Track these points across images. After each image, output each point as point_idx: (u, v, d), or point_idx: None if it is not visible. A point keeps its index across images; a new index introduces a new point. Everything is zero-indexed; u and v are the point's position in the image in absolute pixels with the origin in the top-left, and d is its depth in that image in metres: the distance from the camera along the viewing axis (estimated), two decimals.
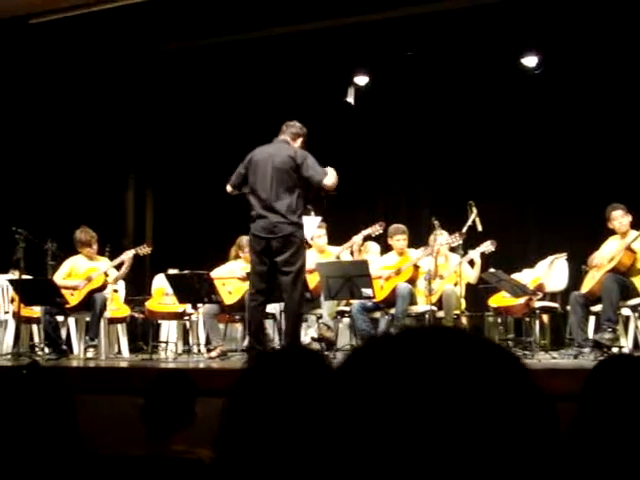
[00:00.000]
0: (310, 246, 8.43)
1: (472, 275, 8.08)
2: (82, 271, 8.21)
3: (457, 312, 7.73)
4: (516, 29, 9.17)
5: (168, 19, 9.09)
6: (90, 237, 8.25)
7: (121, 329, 8.65)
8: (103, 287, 8.15)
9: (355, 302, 7.75)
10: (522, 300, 7.64)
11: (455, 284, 7.78)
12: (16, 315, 7.95)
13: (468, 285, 8.02)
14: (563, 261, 8.13)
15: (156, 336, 8.89)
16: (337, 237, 8.55)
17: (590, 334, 7.24)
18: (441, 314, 7.73)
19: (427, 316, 7.48)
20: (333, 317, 7.93)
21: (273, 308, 7.52)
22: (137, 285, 9.84)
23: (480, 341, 0.77)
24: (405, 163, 10.67)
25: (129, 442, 2.88)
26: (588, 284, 7.30)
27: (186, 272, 7.99)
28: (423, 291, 7.86)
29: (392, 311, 7.80)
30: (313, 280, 7.66)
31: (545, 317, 8.32)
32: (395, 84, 10.37)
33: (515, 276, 7.89)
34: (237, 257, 8.58)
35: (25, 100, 9.62)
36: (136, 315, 9.12)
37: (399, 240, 8.19)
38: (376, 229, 8.23)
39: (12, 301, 8.45)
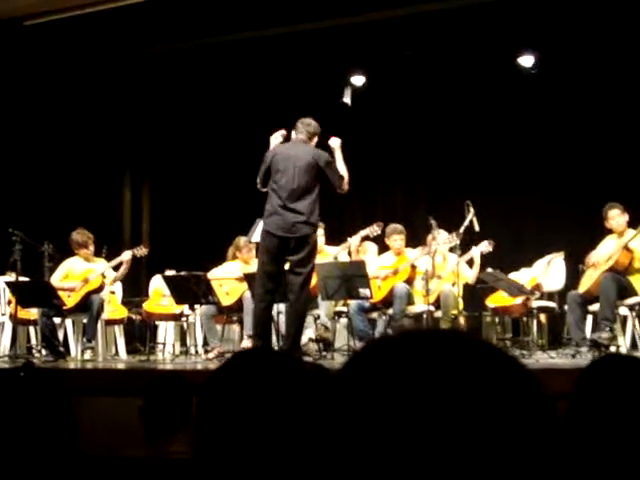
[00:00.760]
0: None
1: (470, 275, 8.08)
2: (79, 273, 8.19)
3: (455, 312, 7.72)
4: (512, 29, 9.18)
5: (163, 19, 9.09)
6: (87, 238, 8.24)
7: (118, 330, 8.64)
8: (100, 289, 8.14)
9: (352, 302, 7.75)
10: (520, 300, 7.65)
11: (453, 284, 7.78)
12: (13, 317, 7.94)
13: (465, 285, 8.01)
14: (560, 260, 8.14)
15: (153, 337, 8.88)
16: (334, 238, 8.54)
17: (588, 333, 7.25)
18: (439, 314, 7.73)
19: (425, 316, 7.48)
20: (331, 317, 7.93)
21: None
22: (134, 286, 9.83)
23: (480, 344, 0.77)
24: (402, 163, 10.67)
25: (127, 444, 2.88)
26: (585, 283, 7.30)
27: (183, 273, 7.99)
28: (421, 291, 7.86)
29: (390, 311, 7.80)
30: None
31: (543, 317, 8.31)
32: (391, 84, 10.37)
33: (512, 276, 7.89)
34: (234, 258, 8.57)
35: (20, 101, 9.61)
36: (133, 316, 9.11)
37: (396, 240, 8.18)
38: (374, 230, 8.22)
39: (9, 303, 8.44)
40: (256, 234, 7.13)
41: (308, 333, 7.91)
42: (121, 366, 7.74)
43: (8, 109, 9.54)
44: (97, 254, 8.43)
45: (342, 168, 6.67)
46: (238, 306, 7.82)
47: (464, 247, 7.88)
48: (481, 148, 10.09)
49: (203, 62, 10.19)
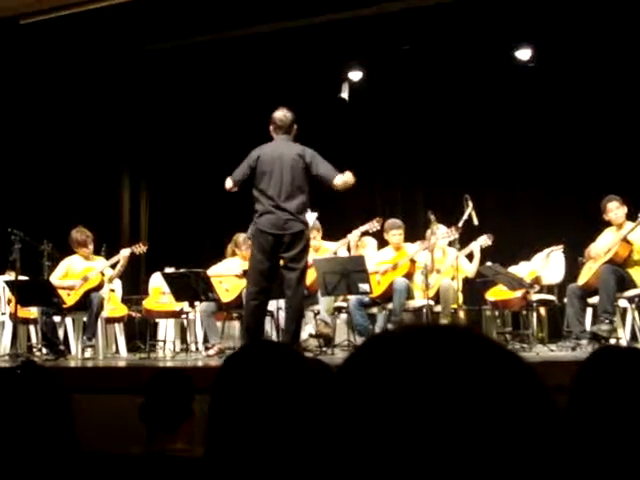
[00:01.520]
0: None
1: (470, 269, 8.08)
2: (78, 271, 8.19)
3: (454, 306, 7.72)
4: (509, 22, 9.17)
5: (160, 16, 9.07)
6: (86, 237, 8.23)
7: (118, 328, 8.65)
8: (100, 287, 8.14)
9: (352, 298, 7.75)
10: (519, 293, 7.65)
11: (452, 278, 7.78)
12: (13, 316, 7.94)
13: (465, 279, 8.02)
14: (559, 254, 8.14)
15: (153, 335, 8.89)
16: (334, 233, 8.54)
17: (587, 326, 7.25)
18: (438, 308, 7.73)
19: (424, 310, 7.49)
20: (330, 313, 7.93)
21: (271, 305, 7.51)
22: (134, 284, 9.84)
23: (478, 338, 0.77)
24: (400, 158, 10.67)
25: (127, 441, 2.88)
26: (585, 276, 7.30)
27: (183, 270, 7.98)
28: (420, 285, 7.86)
29: (389, 306, 7.80)
30: (310, 276, 7.65)
31: (542, 310, 8.33)
32: (389, 79, 10.37)
33: (512, 269, 7.90)
34: (234, 254, 8.57)
35: (18, 101, 9.60)
36: (133, 314, 9.12)
37: (395, 235, 8.18)
38: (373, 225, 8.21)
39: (9, 302, 8.44)
40: None
41: (308, 329, 7.92)
42: (121, 364, 7.74)
43: (5, 108, 9.54)
44: (96, 252, 8.43)
45: (346, 179, 6.50)
46: (238, 303, 7.81)
47: (463, 241, 7.88)
48: (479, 142, 10.09)
49: (200, 59, 10.17)
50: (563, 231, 8.49)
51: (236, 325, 8.62)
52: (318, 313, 7.87)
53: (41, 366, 2.07)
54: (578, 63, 9.40)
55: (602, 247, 7.27)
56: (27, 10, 8.75)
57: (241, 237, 8.28)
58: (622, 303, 7.19)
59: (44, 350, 7.93)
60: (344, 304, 8.04)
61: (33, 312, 8.13)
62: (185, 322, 8.67)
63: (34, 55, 9.39)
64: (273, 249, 6.43)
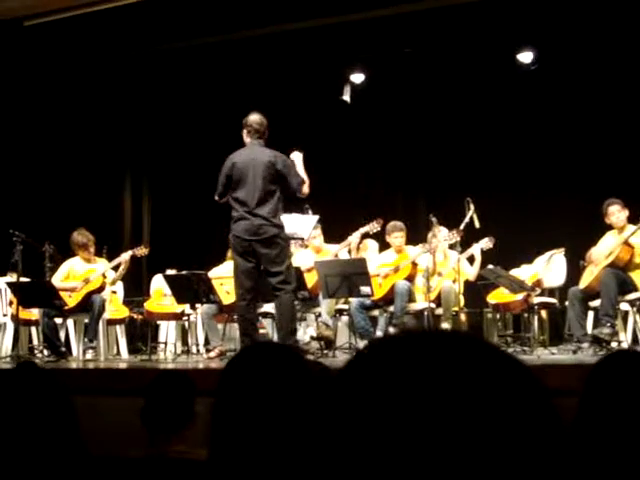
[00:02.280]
0: (307, 245, 8.43)
1: (471, 272, 8.08)
2: (80, 273, 8.20)
3: (456, 309, 7.72)
4: (511, 25, 9.18)
5: (163, 18, 9.09)
6: (87, 240, 8.23)
7: (120, 330, 8.64)
8: (101, 289, 8.14)
9: (353, 300, 7.75)
10: (520, 296, 7.64)
11: (454, 281, 7.78)
12: (14, 318, 7.94)
13: (466, 282, 8.02)
14: (561, 257, 8.14)
15: (155, 337, 8.89)
16: (334, 235, 8.54)
17: (589, 329, 7.24)
18: (440, 311, 7.73)
19: (426, 313, 7.48)
20: (332, 315, 7.93)
21: (272, 307, 7.52)
22: (135, 286, 9.84)
23: (480, 344, 0.77)
24: (402, 160, 10.67)
25: (129, 443, 2.88)
26: (586, 279, 7.30)
27: (184, 272, 7.99)
28: (421, 288, 7.86)
29: (391, 309, 7.80)
30: (311, 279, 7.66)
31: (544, 313, 8.32)
32: (391, 81, 10.38)
33: (513, 272, 7.89)
34: None
35: (21, 102, 9.61)
36: (135, 316, 9.12)
37: (397, 237, 8.18)
38: (374, 227, 8.22)
39: (10, 304, 8.44)
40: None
41: (309, 331, 7.92)
42: (123, 366, 7.74)
43: (8, 110, 9.54)
44: (98, 254, 8.43)
45: (303, 175, 6.65)
46: None
47: (465, 244, 7.88)
48: (481, 145, 10.09)
49: (202, 61, 10.18)
50: (564, 234, 8.49)
51: (237, 327, 8.62)
52: (319, 315, 7.86)
53: (38, 366, 2.07)
54: (580, 66, 9.40)
55: (603, 250, 7.27)
56: (31, 12, 8.77)
57: None
58: (623, 306, 7.19)
59: (45, 352, 7.94)
60: (345, 306, 8.04)
61: (34, 314, 8.14)
62: (186, 324, 8.67)
63: (37, 57, 9.40)
64: (249, 253, 6.52)
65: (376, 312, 7.98)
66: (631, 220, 7.29)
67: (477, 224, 7.60)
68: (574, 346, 7.02)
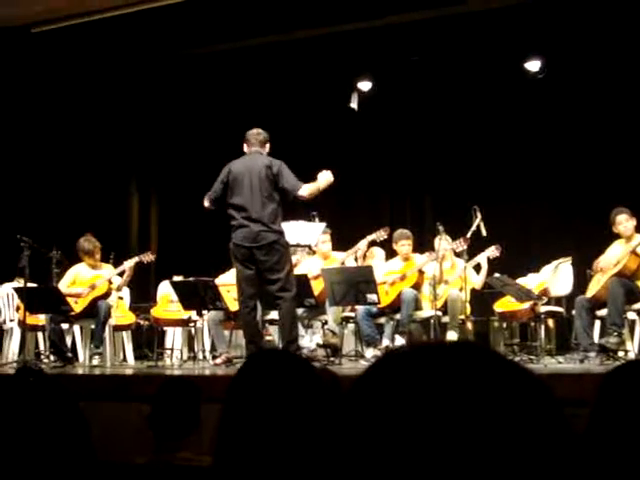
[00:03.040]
0: (314, 252, 8.44)
1: (478, 280, 8.08)
2: (86, 279, 8.21)
3: (462, 317, 7.72)
4: (519, 34, 9.18)
5: (171, 26, 9.12)
6: (93, 246, 8.25)
7: (126, 336, 8.65)
8: (107, 294, 8.15)
9: (360, 308, 7.75)
10: (527, 305, 7.63)
11: (460, 289, 7.77)
12: (21, 323, 7.96)
13: (473, 290, 8.01)
14: (568, 265, 8.12)
15: (161, 343, 8.89)
16: (341, 243, 8.54)
17: (596, 338, 7.22)
18: (446, 319, 7.72)
19: (432, 321, 7.47)
20: (338, 323, 7.92)
21: (276, 314, 7.53)
22: (142, 292, 9.85)
23: (491, 355, 0.77)
24: (409, 168, 10.67)
25: (135, 449, 2.88)
26: (593, 288, 7.28)
27: (191, 279, 8.00)
28: (428, 296, 7.85)
29: (397, 316, 7.79)
30: (318, 286, 7.66)
31: (550, 322, 8.29)
32: (398, 89, 10.39)
33: (520, 281, 7.88)
34: None
35: (28, 108, 9.65)
36: (141, 322, 9.12)
37: (404, 245, 8.18)
38: (381, 234, 8.23)
39: (17, 309, 8.46)
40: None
41: (316, 339, 7.91)
42: (129, 372, 7.75)
43: (17, 116, 9.58)
44: (104, 260, 8.44)
45: (313, 186, 6.54)
46: None
47: (472, 252, 7.87)
48: (488, 153, 10.09)
49: (210, 69, 10.21)
50: (572, 243, 8.48)
51: (243, 334, 8.62)
52: (326, 323, 7.86)
53: (38, 370, 2.08)
54: (587, 75, 9.40)
55: (611, 259, 7.25)
56: (38, 19, 8.80)
57: None
58: (631, 316, 7.17)
59: (52, 357, 7.94)
60: (352, 314, 8.04)
61: (41, 319, 8.14)
62: (193, 330, 8.68)
63: (45, 64, 9.44)
64: (248, 260, 6.53)
65: (382, 320, 7.97)
66: (639, 229, 7.28)
67: (484, 232, 7.59)
68: (581, 355, 6.99)
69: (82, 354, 8.25)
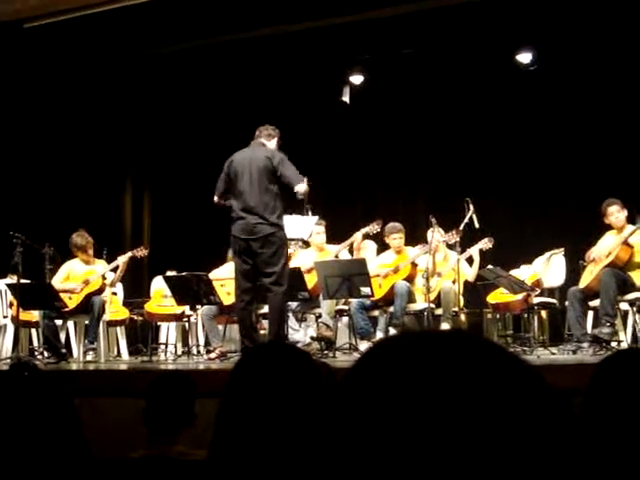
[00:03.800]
0: (309, 245, 8.45)
1: (471, 272, 8.10)
2: (80, 274, 8.20)
3: (455, 309, 7.74)
4: (511, 26, 9.19)
5: (163, 21, 9.09)
6: (86, 242, 8.24)
7: (120, 332, 8.65)
8: (101, 290, 8.15)
9: (354, 301, 7.76)
10: (520, 296, 7.65)
11: (453, 281, 7.79)
12: (15, 319, 7.94)
13: (466, 282, 8.03)
14: (560, 257, 8.14)
15: (155, 338, 8.90)
16: (334, 235, 8.55)
17: (589, 329, 7.25)
18: (439, 312, 7.74)
19: (425, 314, 7.49)
20: (332, 316, 7.94)
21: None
22: (136, 287, 9.84)
23: (483, 343, 0.77)
24: (401, 161, 10.68)
25: (130, 444, 2.89)
26: (586, 279, 7.30)
27: (184, 274, 7.99)
28: (421, 289, 7.87)
29: (391, 309, 7.81)
30: (311, 279, 7.67)
31: (543, 313, 8.33)
32: (390, 82, 10.39)
33: (513, 272, 7.90)
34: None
35: (21, 104, 9.61)
36: (135, 317, 9.12)
37: (396, 239, 8.19)
38: (373, 227, 8.25)
39: (10, 305, 8.45)
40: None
41: (310, 332, 7.93)
42: (123, 367, 7.74)
43: (8, 112, 9.54)
44: (98, 256, 8.44)
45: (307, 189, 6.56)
46: None
47: (464, 245, 7.89)
48: (480, 145, 10.10)
49: (202, 63, 10.19)
50: (564, 234, 8.50)
51: (237, 328, 8.62)
52: (320, 316, 7.87)
53: (33, 366, 2.08)
54: (579, 67, 9.41)
55: (603, 250, 7.27)
56: (31, 14, 8.77)
57: None
58: (623, 306, 7.19)
59: (46, 353, 7.93)
60: (346, 307, 8.05)
61: (35, 315, 8.14)
62: (187, 325, 8.68)
63: (37, 59, 9.41)
64: (245, 252, 6.53)
65: (376, 313, 7.99)
66: (630, 220, 7.30)
67: (476, 224, 7.61)
68: (574, 346, 7.01)
69: (76, 350, 8.24)
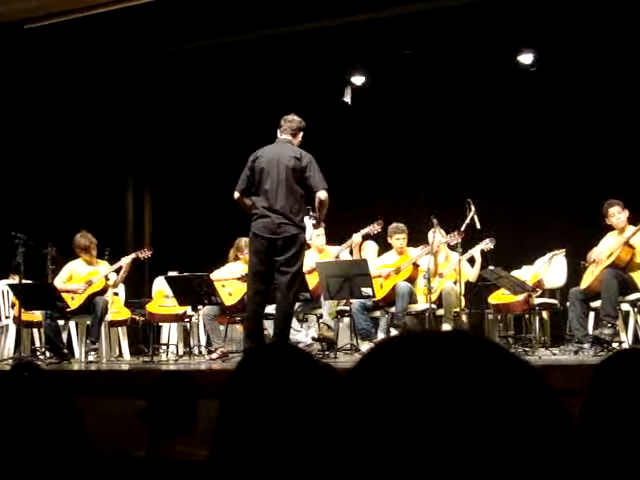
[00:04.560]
0: (309, 246, 8.44)
1: (472, 273, 8.10)
2: (82, 275, 8.21)
3: (457, 310, 7.73)
4: (512, 26, 9.19)
5: (164, 21, 9.10)
6: (89, 242, 8.25)
7: (122, 332, 8.66)
8: (103, 291, 8.16)
9: (355, 301, 7.76)
10: (521, 297, 7.65)
11: (455, 282, 7.79)
12: (17, 320, 7.96)
13: (467, 283, 8.03)
14: (562, 257, 8.14)
15: (157, 338, 8.90)
16: (336, 236, 8.55)
17: (590, 330, 7.24)
18: (441, 312, 7.74)
19: (427, 314, 7.49)
20: (333, 317, 7.94)
21: (273, 309, 7.53)
22: (137, 288, 9.86)
23: (485, 343, 0.77)
24: (403, 161, 10.68)
25: (131, 445, 2.89)
26: (587, 280, 7.30)
27: (186, 274, 8.00)
28: (423, 289, 7.87)
29: (392, 310, 7.81)
30: (313, 280, 7.67)
31: (545, 314, 8.32)
32: (391, 83, 10.38)
33: (514, 273, 7.90)
34: (236, 259, 8.58)
35: (23, 105, 9.63)
36: (137, 318, 9.13)
37: (398, 239, 8.19)
38: (375, 228, 8.25)
39: (13, 306, 8.46)
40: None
41: (311, 333, 7.92)
42: (125, 367, 7.75)
43: (10, 113, 9.56)
44: (100, 256, 8.45)
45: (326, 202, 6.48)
46: (241, 306, 7.82)
47: (466, 245, 7.89)
48: (482, 146, 10.10)
49: (204, 64, 10.20)
50: (565, 235, 8.50)
51: (239, 329, 8.63)
52: (321, 317, 7.88)
53: (35, 366, 2.08)
54: (580, 67, 9.40)
55: (604, 251, 7.27)
56: (31, 15, 8.78)
57: (243, 241, 8.27)
58: (624, 307, 7.19)
59: (48, 354, 7.95)
60: (347, 308, 8.05)
61: (37, 316, 8.15)
62: (188, 326, 8.68)
63: (38, 60, 9.42)
64: (267, 252, 6.37)
65: (377, 313, 7.99)
66: (631, 221, 7.30)
67: (478, 225, 7.61)
68: (575, 347, 7.01)
69: (78, 350, 8.25)
